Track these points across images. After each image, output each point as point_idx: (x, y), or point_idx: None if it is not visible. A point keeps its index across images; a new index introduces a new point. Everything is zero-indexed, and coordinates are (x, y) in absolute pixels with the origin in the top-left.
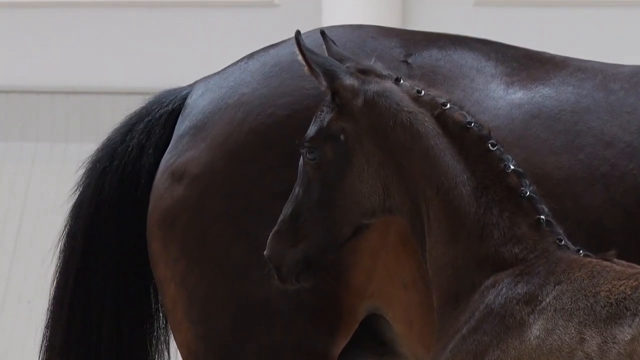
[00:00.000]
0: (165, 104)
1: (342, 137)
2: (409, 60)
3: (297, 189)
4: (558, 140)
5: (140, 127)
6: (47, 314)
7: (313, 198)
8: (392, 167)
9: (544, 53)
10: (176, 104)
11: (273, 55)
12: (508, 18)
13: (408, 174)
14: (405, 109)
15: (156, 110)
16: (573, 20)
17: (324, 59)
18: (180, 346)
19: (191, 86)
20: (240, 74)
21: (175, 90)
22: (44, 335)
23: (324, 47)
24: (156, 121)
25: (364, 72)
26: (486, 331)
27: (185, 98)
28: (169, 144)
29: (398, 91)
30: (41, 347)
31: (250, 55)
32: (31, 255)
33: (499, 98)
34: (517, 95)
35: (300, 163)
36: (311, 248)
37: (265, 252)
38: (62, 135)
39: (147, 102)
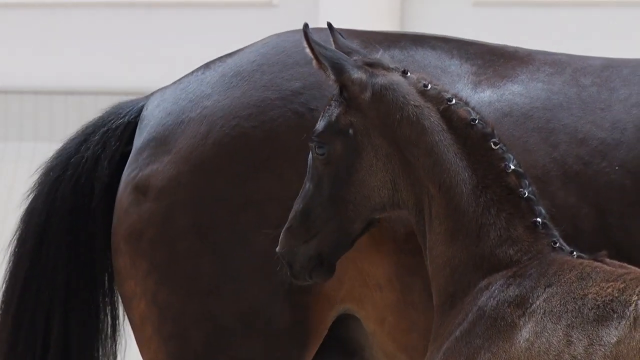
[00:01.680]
0: (121, 115)
1: (350, 131)
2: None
3: (307, 185)
4: (532, 138)
5: (96, 138)
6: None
7: (324, 194)
8: (398, 161)
9: (507, 47)
10: (132, 116)
11: (232, 65)
12: (507, 18)
13: (413, 169)
14: (412, 102)
15: (112, 121)
16: (573, 20)
17: (332, 52)
18: None
19: (147, 98)
20: (198, 86)
21: (132, 101)
22: None
23: (330, 40)
24: (112, 132)
25: (372, 65)
26: (478, 334)
27: (141, 110)
28: (124, 156)
29: (405, 84)
30: None
31: (207, 66)
32: None
33: (468, 97)
34: (486, 93)
35: (309, 158)
36: (324, 244)
37: (277, 249)
38: (61, 136)
39: (104, 112)
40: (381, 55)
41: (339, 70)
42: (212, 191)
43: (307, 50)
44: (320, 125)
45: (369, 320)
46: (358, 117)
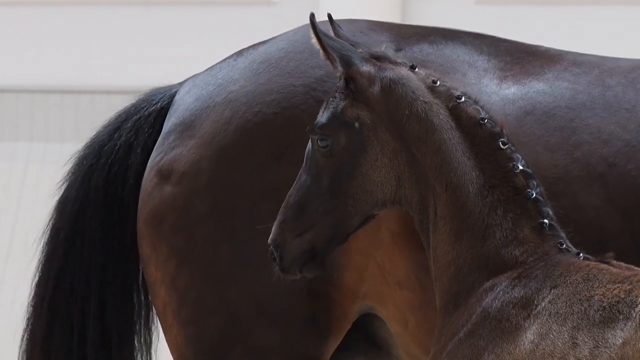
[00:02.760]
0: (154, 102)
1: (356, 124)
2: (399, 55)
3: (303, 177)
4: (553, 138)
5: (129, 125)
6: (28, 310)
7: (323, 186)
8: (405, 158)
9: (539, 46)
10: (165, 102)
11: (261, 52)
12: (509, 16)
13: (419, 167)
14: (421, 98)
15: (145, 108)
16: (575, 18)
17: (340, 44)
18: (171, 350)
19: (180, 84)
20: (228, 71)
21: (164, 88)
22: (24, 331)
23: (331, 32)
24: (145, 119)
25: (379, 59)
26: (482, 335)
27: (173, 96)
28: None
29: (414, 79)
30: (21, 344)
31: (239, 53)
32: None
33: (492, 93)
34: (511, 90)
35: (307, 150)
36: (318, 238)
37: (269, 240)
38: (57, 135)
39: (136, 100)
40: (385, 48)
41: (347, 62)
42: (232, 178)
43: (314, 41)
44: (323, 116)
45: (392, 320)
46: (365, 110)
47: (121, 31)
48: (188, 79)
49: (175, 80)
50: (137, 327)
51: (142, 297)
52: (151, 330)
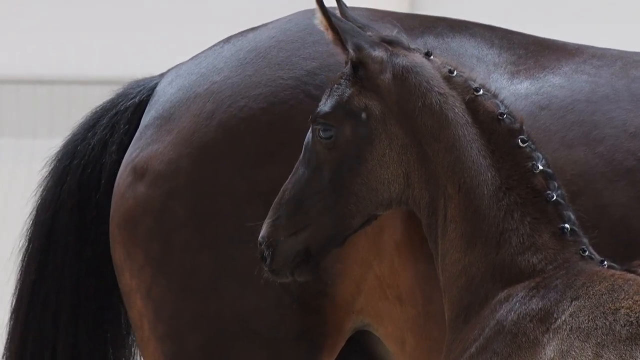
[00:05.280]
0: (131, 96)
1: (364, 115)
2: None
3: (301, 170)
4: (571, 133)
5: (104, 121)
6: (8, 322)
7: (323, 182)
8: (415, 154)
9: (556, 40)
10: (144, 96)
11: (250, 40)
12: (519, 2)
13: (431, 165)
14: (436, 89)
15: (121, 103)
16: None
17: (350, 26)
18: None
19: (162, 75)
20: (212, 60)
21: (144, 80)
22: (4, 348)
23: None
24: (121, 115)
25: (391, 43)
26: (496, 351)
27: (153, 88)
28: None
29: (429, 68)
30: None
31: (227, 39)
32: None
33: (502, 88)
34: (523, 85)
35: (306, 141)
36: (314, 238)
37: (259, 237)
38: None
39: (114, 94)
40: (398, 32)
41: (357, 46)
42: (213, 179)
43: (319, 20)
44: (327, 105)
45: (388, 339)
46: (374, 100)
47: (109, 16)
48: (171, 68)
49: (157, 70)
50: (114, 339)
51: (119, 310)
52: (127, 346)
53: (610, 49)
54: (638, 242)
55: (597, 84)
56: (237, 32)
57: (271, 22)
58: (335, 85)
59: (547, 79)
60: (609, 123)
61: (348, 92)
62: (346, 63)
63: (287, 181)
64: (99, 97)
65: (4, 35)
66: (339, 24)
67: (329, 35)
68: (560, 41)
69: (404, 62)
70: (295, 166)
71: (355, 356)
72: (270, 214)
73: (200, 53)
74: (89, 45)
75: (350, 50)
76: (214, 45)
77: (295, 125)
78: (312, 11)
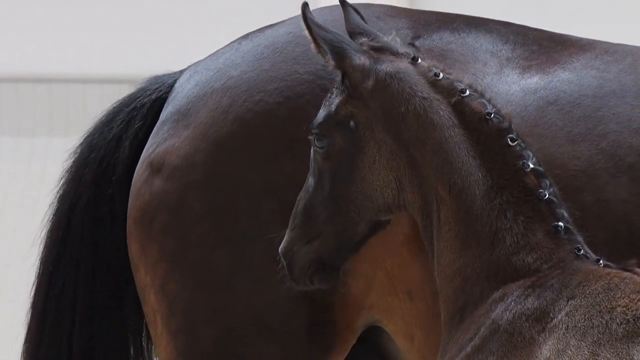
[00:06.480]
0: (149, 92)
1: (352, 123)
2: (416, 43)
3: (309, 180)
4: (577, 128)
5: (121, 117)
6: (27, 316)
7: (325, 191)
8: (404, 159)
9: (570, 36)
10: (162, 92)
11: (268, 35)
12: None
13: (420, 169)
14: (420, 94)
15: (139, 98)
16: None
17: (333, 35)
18: None
19: (181, 72)
20: (230, 55)
21: (163, 76)
22: (23, 341)
23: (343, 19)
24: (137, 111)
25: (378, 50)
26: (492, 351)
27: (172, 85)
28: (149, 135)
29: (413, 73)
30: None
31: (245, 36)
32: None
33: (512, 83)
34: (533, 80)
35: (311, 151)
36: (325, 247)
37: (279, 249)
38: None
39: (135, 89)
40: (393, 37)
41: (339, 55)
42: (230, 174)
43: (306, 32)
44: (320, 115)
45: (398, 335)
46: (360, 107)
47: (115, 16)
48: (191, 65)
49: (156, 69)
50: (129, 336)
51: (133, 304)
52: (146, 339)
53: (624, 45)
54: (639, 238)
55: (605, 79)
56: (239, 32)
57: (288, 19)
58: (329, 95)
59: (557, 74)
60: (614, 119)
61: (336, 101)
62: (335, 73)
63: (301, 190)
64: (98, 95)
65: (3, 35)
66: (324, 35)
67: (313, 46)
68: (575, 37)
69: (388, 68)
70: (307, 176)
71: (368, 355)
72: (289, 224)
73: (219, 49)
74: (87, 44)
75: (330, 61)
76: (232, 42)
77: (311, 119)
78: (329, 7)
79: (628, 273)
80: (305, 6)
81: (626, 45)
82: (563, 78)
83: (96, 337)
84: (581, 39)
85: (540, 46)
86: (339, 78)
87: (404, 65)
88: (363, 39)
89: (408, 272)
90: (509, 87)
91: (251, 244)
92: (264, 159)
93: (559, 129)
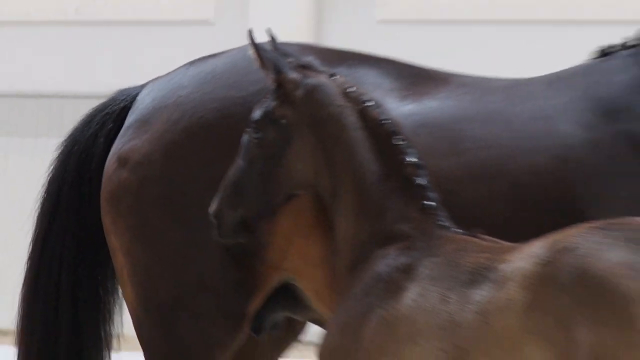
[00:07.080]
0: (118, 101)
1: (283, 122)
2: None
3: (239, 162)
4: (443, 146)
5: (97, 119)
6: (24, 268)
7: (254, 171)
8: (321, 151)
9: (432, 70)
10: (128, 101)
11: (210, 64)
12: (409, 35)
13: (333, 160)
14: (336, 102)
15: (111, 105)
16: (473, 37)
17: (272, 55)
18: (127, 305)
19: (142, 86)
20: (180, 78)
21: (128, 89)
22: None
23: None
24: (109, 115)
25: (304, 68)
26: (374, 293)
27: (135, 96)
28: (118, 135)
29: (332, 86)
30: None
31: (192, 62)
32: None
33: (393, 109)
34: (408, 107)
35: (242, 140)
36: (249, 212)
37: (210, 211)
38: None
39: (107, 98)
40: (312, 60)
41: (277, 70)
42: (181, 171)
43: (252, 52)
44: (257, 114)
45: (307, 290)
46: (291, 111)
47: (80, 47)
48: (150, 81)
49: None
50: (107, 287)
51: (107, 257)
52: (115, 290)
53: (471, 77)
54: (493, 230)
55: (461, 107)
56: (182, 62)
57: (227, 51)
58: (265, 99)
59: (426, 103)
60: (470, 139)
61: (272, 104)
62: (272, 83)
63: (230, 169)
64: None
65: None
66: (265, 55)
67: (257, 63)
68: (434, 71)
69: (313, 81)
70: (236, 159)
71: (281, 295)
72: (218, 192)
73: (173, 71)
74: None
75: (270, 74)
76: (183, 66)
77: (241, 134)
78: (258, 44)
79: (475, 238)
80: (251, 33)
81: (474, 77)
82: (431, 106)
83: (80, 281)
84: (439, 73)
85: (413, 79)
86: (273, 87)
87: (324, 79)
88: (290, 59)
89: (312, 249)
90: (390, 112)
91: (198, 223)
92: (206, 161)
93: (429, 146)
